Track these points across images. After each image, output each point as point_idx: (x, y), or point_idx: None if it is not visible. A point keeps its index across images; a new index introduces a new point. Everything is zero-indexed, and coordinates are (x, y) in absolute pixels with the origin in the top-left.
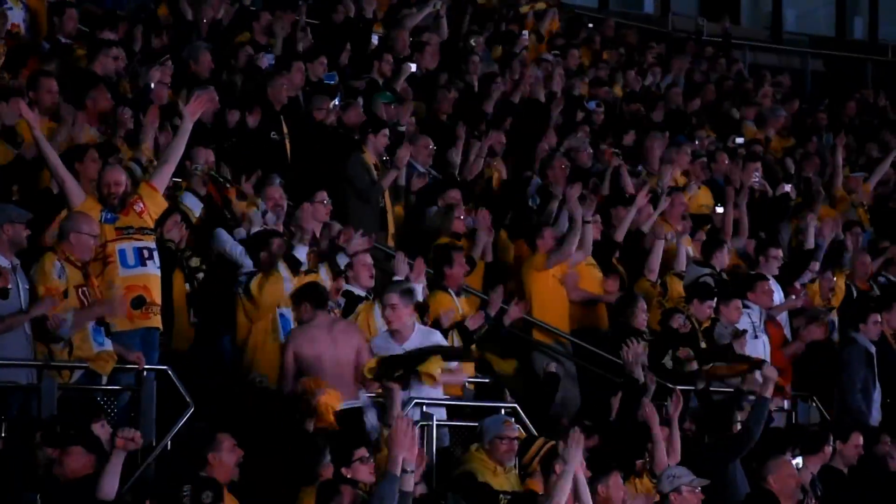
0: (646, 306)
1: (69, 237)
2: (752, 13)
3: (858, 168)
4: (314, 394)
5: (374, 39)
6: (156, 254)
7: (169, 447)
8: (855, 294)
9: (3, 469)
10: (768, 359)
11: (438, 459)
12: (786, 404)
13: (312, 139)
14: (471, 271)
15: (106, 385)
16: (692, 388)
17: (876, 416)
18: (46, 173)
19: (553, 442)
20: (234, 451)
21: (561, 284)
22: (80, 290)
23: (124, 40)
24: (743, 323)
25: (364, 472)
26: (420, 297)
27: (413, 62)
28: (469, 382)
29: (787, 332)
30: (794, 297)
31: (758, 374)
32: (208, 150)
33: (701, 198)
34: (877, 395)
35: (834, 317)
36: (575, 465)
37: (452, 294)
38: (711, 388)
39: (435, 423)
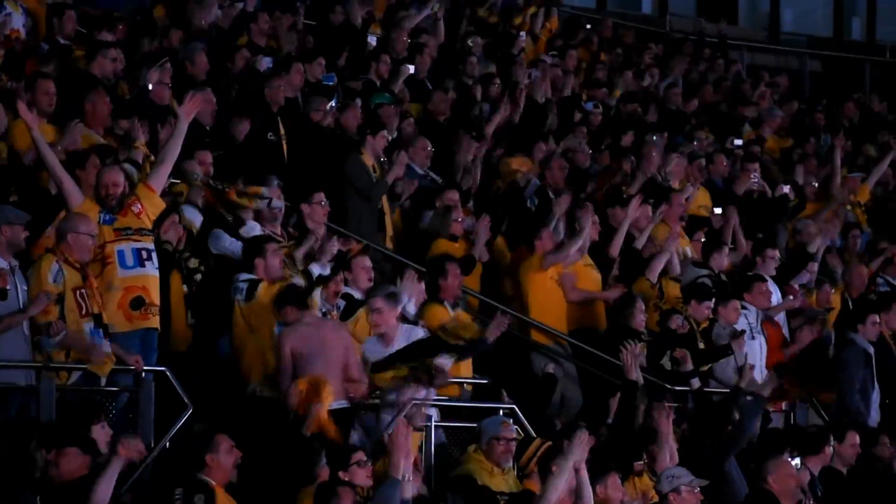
0: (644, 307)
1: (67, 238)
2: (749, 14)
3: (856, 169)
4: (312, 406)
5: (373, 40)
6: (154, 254)
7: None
8: (850, 301)
9: (3, 471)
10: (764, 360)
11: (435, 459)
12: (784, 405)
13: (310, 140)
14: (471, 270)
15: (104, 386)
16: (688, 388)
17: (875, 417)
18: (45, 174)
19: (550, 443)
20: (231, 452)
21: (558, 285)
22: (77, 292)
23: (122, 41)
24: (740, 324)
25: (361, 476)
26: (412, 314)
27: (412, 64)
28: (467, 383)
29: (785, 332)
30: (791, 297)
31: (756, 374)
32: (206, 152)
33: (699, 199)
34: (875, 396)
35: (831, 332)
36: (571, 464)
37: (448, 306)
38: (707, 389)
39: (433, 423)
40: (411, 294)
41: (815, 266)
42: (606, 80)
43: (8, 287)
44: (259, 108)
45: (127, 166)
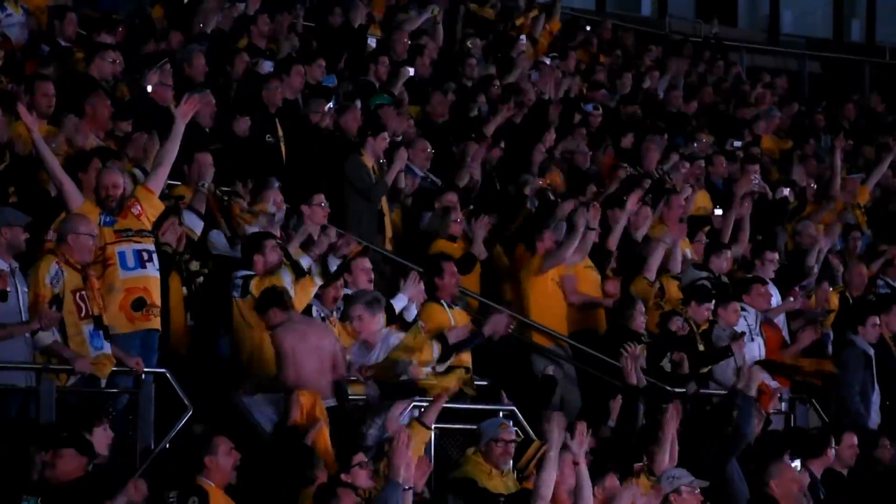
0: (644, 309)
1: (67, 239)
2: (749, 15)
3: (856, 170)
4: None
5: (373, 42)
6: (155, 256)
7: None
8: (850, 300)
9: (3, 472)
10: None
11: (435, 461)
12: (783, 406)
13: (309, 142)
14: (472, 269)
15: (105, 388)
16: (683, 390)
17: (875, 419)
18: (45, 175)
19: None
20: (230, 454)
21: (559, 288)
22: (77, 294)
23: (122, 44)
24: (739, 326)
25: (363, 478)
26: (412, 316)
27: (411, 66)
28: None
29: (785, 334)
30: (791, 298)
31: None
32: (207, 154)
33: (699, 200)
34: (875, 398)
35: (829, 329)
36: (555, 453)
37: (445, 305)
38: (703, 392)
39: (434, 426)
40: (413, 296)
41: (815, 269)
42: (606, 81)
43: (8, 289)
44: (257, 110)
45: (136, 171)
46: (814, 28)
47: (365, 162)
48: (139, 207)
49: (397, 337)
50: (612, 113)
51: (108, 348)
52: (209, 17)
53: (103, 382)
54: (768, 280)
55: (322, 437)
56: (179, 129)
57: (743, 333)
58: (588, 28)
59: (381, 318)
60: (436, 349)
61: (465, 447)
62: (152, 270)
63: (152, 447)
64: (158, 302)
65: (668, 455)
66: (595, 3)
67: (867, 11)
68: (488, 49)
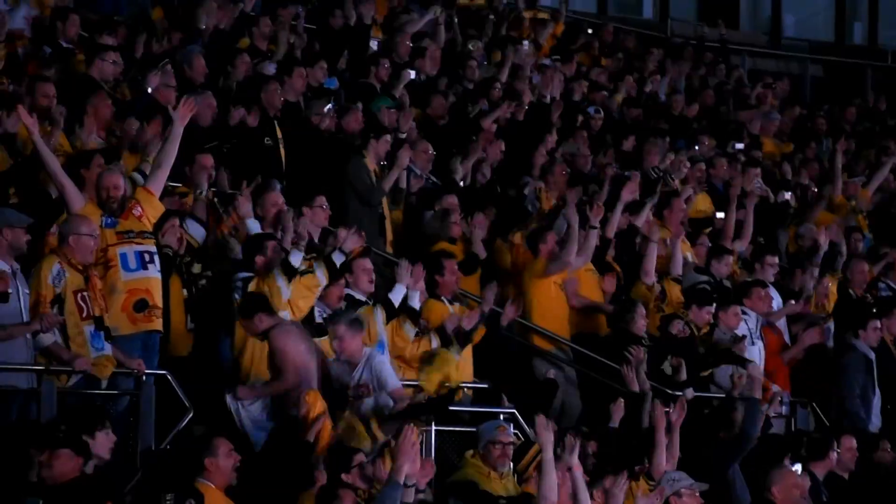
0: (644, 312)
1: (69, 240)
2: (751, 18)
3: (857, 174)
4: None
5: (374, 44)
6: (156, 257)
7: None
8: (854, 297)
9: (4, 473)
10: (763, 365)
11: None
12: (784, 410)
13: (310, 144)
14: (475, 270)
15: (105, 389)
16: (680, 393)
17: (876, 423)
18: (45, 175)
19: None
20: (230, 455)
21: (562, 290)
22: (79, 294)
23: (124, 45)
24: (740, 329)
25: (364, 480)
26: (417, 305)
27: (413, 69)
28: (467, 387)
29: (786, 337)
30: (792, 301)
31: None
32: (208, 155)
33: (700, 203)
34: (876, 402)
35: (830, 323)
36: (549, 456)
37: (446, 302)
38: (700, 395)
39: (433, 428)
40: (409, 283)
41: (815, 271)
42: (607, 84)
43: (9, 290)
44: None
45: (135, 175)
46: (816, 31)
47: (367, 164)
48: (140, 209)
49: (380, 359)
50: (613, 116)
51: (108, 349)
52: (207, 16)
53: (104, 384)
54: (769, 283)
55: (326, 432)
56: (178, 131)
57: (744, 337)
58: (590, 31)
59: (362, 337)
60: (435, 344)
61: (465, 450)
62: (154, 272)
63: (153, 449)
64: (160, 303)
65: (664, 457)
66: (597, 6)
67: (869, 14)
68: (489, 46)
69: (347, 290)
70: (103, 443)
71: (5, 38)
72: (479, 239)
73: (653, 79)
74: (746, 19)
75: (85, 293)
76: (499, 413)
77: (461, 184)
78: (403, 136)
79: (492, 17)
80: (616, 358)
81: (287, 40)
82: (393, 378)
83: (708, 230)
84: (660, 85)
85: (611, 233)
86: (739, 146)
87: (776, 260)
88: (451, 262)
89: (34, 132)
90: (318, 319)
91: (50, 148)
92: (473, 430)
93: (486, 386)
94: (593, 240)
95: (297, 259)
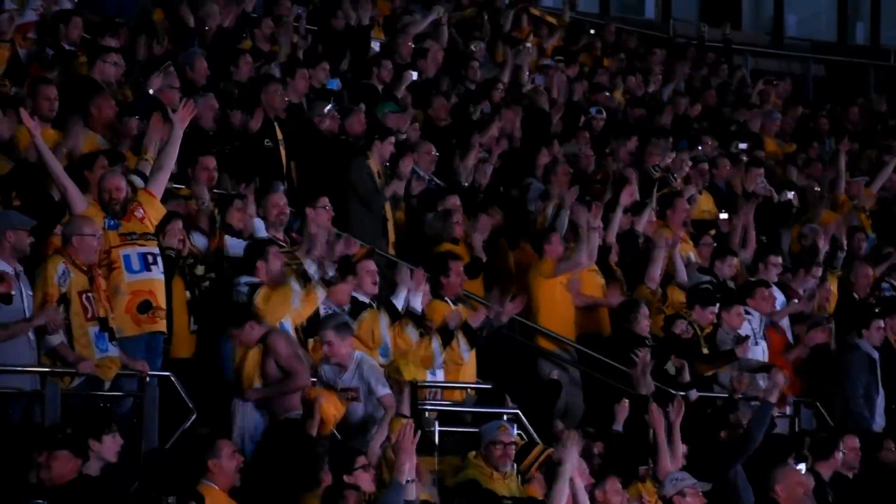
0: (648, 312)
1: (72, 241)
2: (753, 18)
3: (860, 173)
4: (316, 399)
5: (376, 46)
6: (159, 259)
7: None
8: (854, 299)
9: (7, 476)
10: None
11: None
12: (788, 410)
13: (312, 145)
14: (479, 273)
15: (109, 391)
16: (682, 393)
17: (879, 423)
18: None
19: (552, 448)
20: (233, 457)
21: (567, 291)
22: (83, 295)
23: (126, 47)
24: (743, 329)
25: (366, 481)
26: (420, 308)
27: (415, 69)
28: (471, 388)
29: (789, 337)
30: (795, 301)
31: (759, 378)
32: (210, 157)
33: (703, 203)
34: (880, 401)
35: (832, 324)
36: (571, 467)
37: (450, 303)
38: (703, 394)
39: (437, 429)
40: (411, 286)
41: (818, 271)
42: (610, 84)
43: (13, 292)
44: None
45: (133, 177)
46: (818, 31)
47: (370, 165)
48: (142, 211)
49: (371, 365)
50: (615, 116)
51: (112, 351)
52: (210, 18)
53: (107, 385)
54: (772, 283)
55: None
56: (178, 133)
57: (747, 337)
58: (592, 31)
59: (351, 341)
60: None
61: (468, 450)
62: (157, 273)
63: (156, 450)
64: (164, 304)
65: (668, 458)
66: (599, 7)
67: (872, 14)
68: (491, 44)
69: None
70: (110, 446)
71: (9, 40)
72: (479, 242)
73: (655, 79)
74: (749, 19)
75: (89, 294)
76: (502, 413)
77: (465, 184)
78: (404, 136)
79: (487, 18)
80: (620, 358)
81: (290, 42)
82: (384, 384)
83: (712, 231)
84: (662, 86)
85: (611, 237)
86: (743, 146)
87: (779, 260)
88: (458, 264)
89: (36, 135)
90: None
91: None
92: (476, 430)
93: (489, 387)
94: (596, 240)
95: (311, 268)
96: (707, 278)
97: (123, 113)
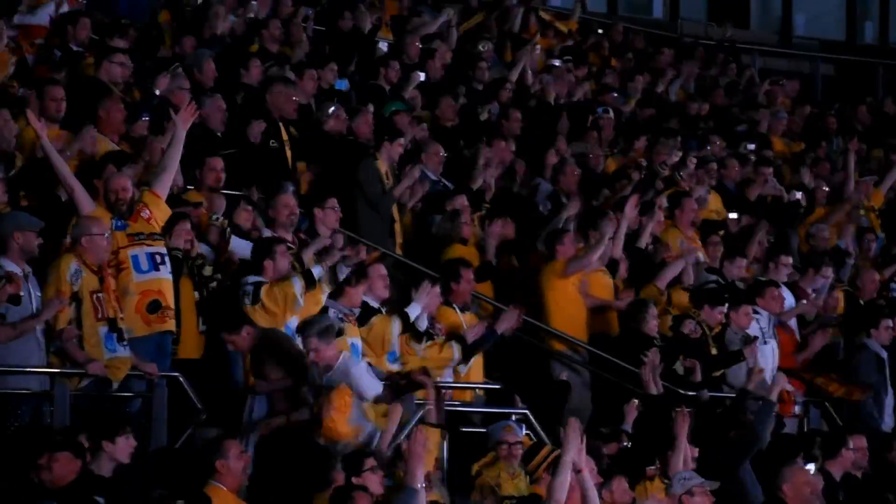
0: (656, 312)
1: (81, 241)
2: (761, 18)
3: (868, 172)
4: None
5: (384, 46)
6: (167, 258)
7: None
8: (860, 302)
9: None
10: (777, 364)
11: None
12: (797, 410)
13: (320, 146)
14: (489, 277)
15: (117, 391)
16: (693, 393)
17: (888, 422)
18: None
19: (560, 450)
20: (241, 457)
21: (579, 291)
22: (94, 295)
23: (134, 48)
24: (752, 329)
25: (374, 482)
26: (423, 327)
27: (422, 70)
28: (479, 388)
29: (798, 338)
30: (804, 301)
31: (767, 377)
32: (218, 158)
33: (711, 203)
34: (888, 401)
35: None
36: (571, 457)
37: (457, 310)
38: (713, 395)
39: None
40: (426, 304)
41: (829, 271)
42: (618, 84)
43: (21, 293)
44: (263, 115)
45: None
46: (827, 30)
47: (378, 167)
48: (148, 211)
49: (360, 366)
50: (623, 116)
51: (121, 351)
52: (219, 21)
53: (115, 386)
54: (781, 283)
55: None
56: (180, 135)
57: (756, 338)
58: (600, 31)
59: (335, 343)
60: (456, 350)
61: (477, 450)
62: (165, 273)
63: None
64: (172, 304)
65: (682, 459)
66: (607, 6)
67: (880, 13)
68: (499, 43)
69: (363, 297)
70: (124, 447)
71: (19, 42)
72: (493, 247)
73: (662, 78)
74: (757, 19)
75: (100, 294)
76: (511, 414)
77: (474, 188)
78: (410, 146)
79: (495, 18)
80: (628, 358)
81: (305, 42)
82: (372, 387)
83: (721, 232)
84: (670, 85)
85: (618, 252)
86: (752, 146)
87: (790, 260)
88: (468, 272)
89: (42, 136)
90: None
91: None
92: (484, 430)
93: (498, 387)
94: (611, 248)
95: (317, 273)
96: (713, 278)
97: (131, 114)
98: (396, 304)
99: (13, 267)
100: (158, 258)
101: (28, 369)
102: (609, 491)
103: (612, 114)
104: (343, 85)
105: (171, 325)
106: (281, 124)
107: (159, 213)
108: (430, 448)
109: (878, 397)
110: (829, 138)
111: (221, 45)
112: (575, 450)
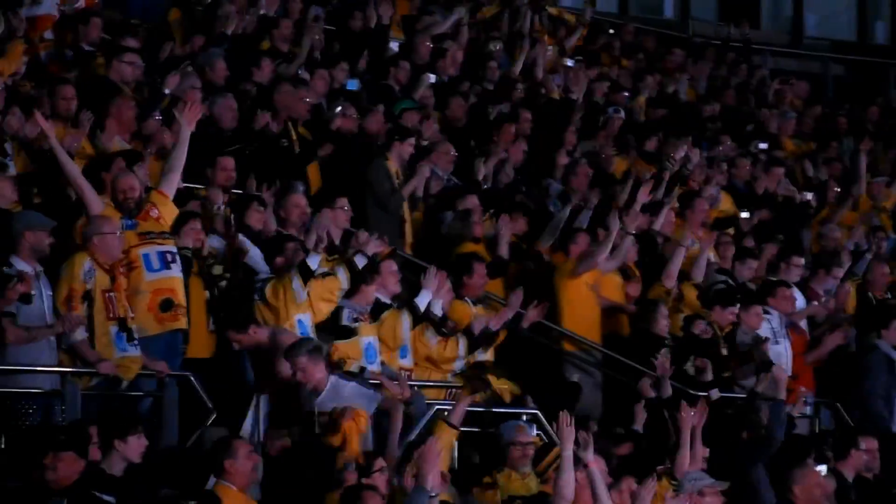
0: (666, 312)
1: (93, 241)
2: (772, 18)
3: (879, 174)
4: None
5: (395, 46)
6: (178, 257)
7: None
8: (873, 301)
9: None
10: (790, 364)
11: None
12: (808, 410)
13: (332, 145)
14: (503, 274)
15: (127, 390)
16: (704, 393)
17: None
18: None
19: None
20: (250, 457)
21: (593, 292)
22: (106, 294)
23: (145, 48)
24: (763, 329)
25: (382, 483)
26: (440, 312)
27: (433, 72)
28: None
29: (808, 338)
30: (815, 303)
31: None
32: (229, 158)
33: (722, 203)
34: None
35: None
36: (569, 453)
37: (469, 303)
38: (724, 395)
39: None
40: (435, 289)
41: (840, 272)
42: (629, 84)
43: (32, 292)
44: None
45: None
46: (838, 30)
47: (389, 166)
48: (157, 211)
49: (350, 387)
50: (634, 116)
51: (131, 351)
52: (229, 20)
53: (124, 384)
54: (792, 284)
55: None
56: (185, 135)
57: (767, 339)
58: (611, 31)
59: (323, 365)
60: (461, 346)
61: (487, 451)
62: (176, 271)
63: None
64: (184, 302)
65: (688, 458)
66: (618, 7)
67: (891, 13)
68: (509, 44)
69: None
70: (135, 447)
71: (30, 38)
72: (504, 242)
73: (674, 77)
74: (768, 19)
75: (111, 294)
76: (521, 414)
77: (484, 185)
78: (425, 142)
79: (507, 17)
80: (639, 359)
81: (317, 41)
82: (366, 407)
83: (731, 230)
84: (680, 85)
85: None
86: (763, 146)
87: (802, 261)
88: (481, 266)
89: (51, 136)
90: (346, 321)
91: (71, 152)
92: (492, 431)
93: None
94: (627, 245)
95: (314, 262)
96: (722, 278)
97: (141, 112)
98: (405, 300)
99: (24, 266)
100: (169, 257)
101: (38, 368)
102: (618, 491)
103: (622, 114)
104: (354, 85)
105: (183, 322)
106: (290, 124)
107: (167, 212)
108: (443, 447)
109: (888, 398)
110: (840, 138)
111: (231, 43)
112: (572, 442)
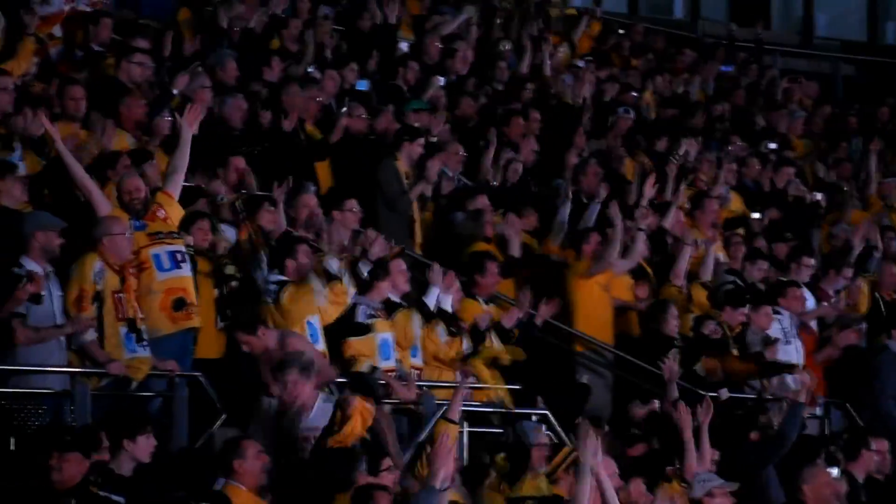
0: (676, 312)
1: (103, 241)
2: (782, 18)
3: (890, 174)
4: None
5: (404, 46)
6: (188, 256)
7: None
8: (882, 303)
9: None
10: (802, 364)
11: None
12: (818, 411)
13: (340, 146)
14: (514, 273)
15: (136, 391)
16: (713, 393)
17: None
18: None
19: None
20: (258, 457)
21: (605, 292)
22: (115, 295)
23: (154, 48)
24: (774, 329)
25: (390, 483)
26: (450, 308)
27: (442, 74)
28: (500, 390)
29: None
30: (825, 303)
31: (790, 379)
32: (240, 157)
33: (732, 203)
34: None
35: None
36: (588, 462)
37: (481, 302)
38: (735, 395)
39: (465, 429)
40: (443, 286)
41: (849, 272)
42: (640, 85)
43: (42, 292)
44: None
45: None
46: (848, 31)
47: (398, 167)
48: (164, 211)
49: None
50: (643, 116)
51: (140, 351)
52: (238, 20)
53: (134, 385)
54: (802, 284)
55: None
56: (187, 136)
57: (777, 339)
58: (621, 31)
59: (313, 383)
60: (465, 343)
61: (496, 451)
62: (187, 270)
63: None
64: (196, 301)
65: (695, 458)
66: (627, 7)
67: None
68: (518, 47)
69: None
70: (144, 447)
71: (40, 37)
72: (514, 239)
73: (683, 77)
74: (778, 19)
75: (121, 294)
76: (531, 414)
77: (494, 183)
78: (434, 140)
79: (517, 15)
80: (648, 359)
81: (329, 41)
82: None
83: (741, 231)
84: (691, 85)
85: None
86: (773, 146)
87: (812, 261)
88: (493, 265)
89: (57, 139)
90: (362, 318)
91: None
92: (501, 431)
93: (518, 388)
94: (640, 243)
95: (334, 265)
96: (731, 278)
97: (149, 112)
98: (415, 300)
99: (34, 266)
100: (179, 256)
101: (48, 369)
102: (626, 492)
103: (632, 114)
104: (364, 85)
105: (196, 321)
106: (299, 123)
107: (174, 212)
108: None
109: None
110: (849, 139)
111: (241, 42)
112: (592, 453)
